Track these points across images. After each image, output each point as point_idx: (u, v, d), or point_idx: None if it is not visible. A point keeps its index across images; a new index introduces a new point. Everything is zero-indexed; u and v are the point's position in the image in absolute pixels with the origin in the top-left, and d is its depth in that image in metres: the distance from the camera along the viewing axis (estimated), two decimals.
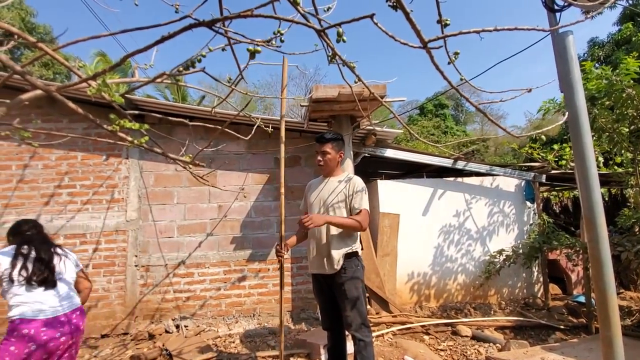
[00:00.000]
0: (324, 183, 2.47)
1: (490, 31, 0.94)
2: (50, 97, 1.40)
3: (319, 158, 2.42)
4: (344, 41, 1.37)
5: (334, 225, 2.26)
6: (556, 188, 7.62)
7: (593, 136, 3.76)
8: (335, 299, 2.36)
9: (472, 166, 5.03)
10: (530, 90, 1.41)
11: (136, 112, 1.94)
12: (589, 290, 4.02)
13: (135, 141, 1.52)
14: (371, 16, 0.82)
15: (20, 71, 1.36)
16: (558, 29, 1.21)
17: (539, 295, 4.94)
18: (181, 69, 1.50)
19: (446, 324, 3.99)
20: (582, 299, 4.53)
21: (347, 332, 2.42)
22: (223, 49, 1.74)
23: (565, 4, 2.11)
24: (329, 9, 1.77)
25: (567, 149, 4.69)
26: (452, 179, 5.06)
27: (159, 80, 1.56)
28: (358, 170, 4.54)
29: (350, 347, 2.45)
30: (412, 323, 3.95)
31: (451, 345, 3.53)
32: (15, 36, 1.40)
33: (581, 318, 4.22)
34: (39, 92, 1.47)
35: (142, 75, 2.20)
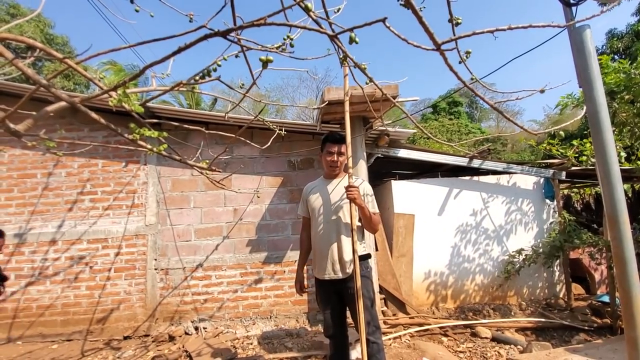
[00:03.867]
0: (330, 185, 2.39)
1: (504, 30, 0.93)
2: (73, 108, 1.46)
3: (335, 158, 2.33)
4: (356, 43, 1.39)
5: (364, 212, 2.18)
6: (577, 185, 7.41)
7: (614, 131, 3.65)
8: (343, 305, 2.33)
9: (489, 164, 4.95)
10: (543, 91, 1.39)
11: (154, 120, 1.99)
12: (613, 290, 3.90)
13: (155, 149, 1.57)
14: (383, 20, 0.83)
15: (46, 84, 1.43)
16: (574, 24, 1.18)
17: (561, 296, 4.81)
18: (197, 78, 1.54)
19: (465, 326, 3.93)
20: (606, 298, 4.39)
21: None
22: (236, 56, 1.77)
23: None
24: (339, 10, 1.79)
25: (588, 145, 4.54)
26: (467, 178, 4.99)
27: (176, 89, 1.61)
28: (371, 171, 4.53)
29: (353, 354, 2.42)
30: (430, 324, 3.91)
31: (470, 347, 3.48)
32: (38, 50, 1.46)
33: (605, 318, 4.09)
34: (63, 103, 1.53)
35: (158, 83, 2.26)
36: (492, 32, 0.86)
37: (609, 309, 4.01)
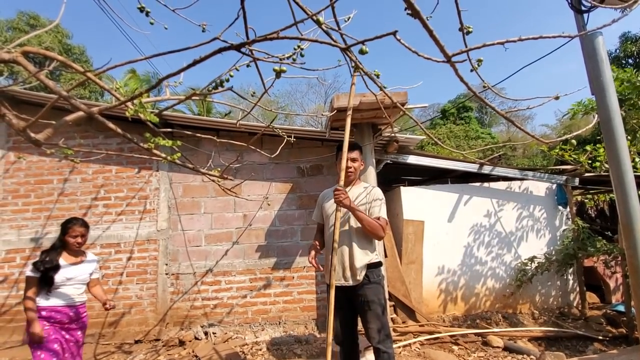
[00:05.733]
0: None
1: (514, 42, 0.94)
2: (88, 116, 1.51)
3: (350, 165, 2.35)
4: (366, 53, 1.41)
5: (357, 215, 2.18)
6: (591, 191, 7.27)
7: (627, 137, 3.60)
8: (354, 312, 2.31)
9: (499, 170, 4.90)
10: (557, 98, 1.39)
11: (168, 129, 2.04)
12: (628, 299, 3.81)
13: (169, 157, 1.61)
14: (394, 33, 0.84)
15: (66, 96, 1.48)
16: (586, 33, 1.18)
17: (575, 304, 4.71)
18: (210, 88, 1.58)
19: (476, 334, 3.87)
20: (621, 308, 4.28)
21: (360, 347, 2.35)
22: (248, 66, 1.81)
23: (592, 4, 2.06)
24: (348, 18, 1.82)
25: (601, 150, 4.46)
26: (478, 184, 4.95)
27: (190, 99, 1.65)
28: (380, 178, 4.53)
29: None
30: (440, 333, 3.86)
31: (482, 357, 3.43)
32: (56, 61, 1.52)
33: (621, 328, 3.99)
34: (81, 113, 1.59)
35: (172, 91, 2.32)
36: (502, 43, 0.87)
37: (625, 319, 3.91)
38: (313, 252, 2.38)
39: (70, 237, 2.49)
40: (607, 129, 1.77)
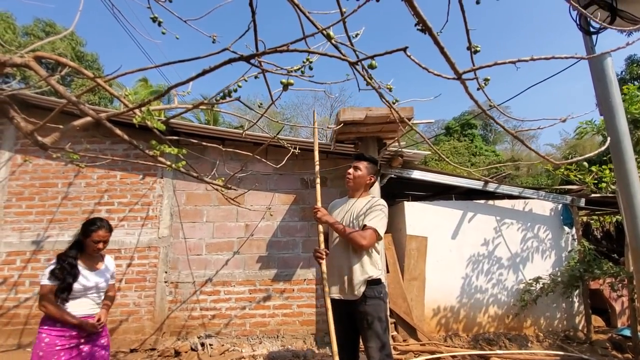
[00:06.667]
0: (348, 204, 2.41)
1: (526, 61, 0.94)
2: (97, 122, 1.52)
3: (349, 171, 2.41)
4: (375, 67, 1.42)
5: (334, 228, 2.25)
6: (597, 212, 7.18)
7: (637, 159, 3.57)
8: (355, 329, 2.26)
9: (504, 188, 4.86)
10: (564, 120, 1.38)
11: (175, 137, 2.05)
12: (635, 323, 3.71)
13: (174, 165, 1.60)
14: (404, 49, 0.84)
15: (75, 101, 1.49)
16: (596, 56, 1.18)
17: (580, 328, 4.59)
18: (218, 98, 1.59)
19: (479, 356, 3.77)
20: (627, 332, 4.16)
21: None
22: (256, 77, 1.82)
23: (602, 26, 2.06)
24: (357, 35, 1.83)
25: (607, 171, 4.41)
26: (482, 201, 4.90)
27: (198, 108, 1.65)
28: (384, 192, 4.51)
29: None
30: (442, 353, 3.77)
31: None
32: (67, 67, 1.54)
33: (627, 353, 3.87)
34: (89, 119, 1.60)
35: (180, 100, 2.34)
36: (514, 62, 0.87)
37: (631, 344, 3.80)
38: (323, 246, 2.36)
39: (92, 242, 2.20)
40: (616, 151, 1.75)
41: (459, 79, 0.84)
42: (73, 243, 2.25)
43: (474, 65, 0.96)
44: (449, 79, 0.88)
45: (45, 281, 2.10)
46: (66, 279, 2.11)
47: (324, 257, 2.28)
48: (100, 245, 2.25)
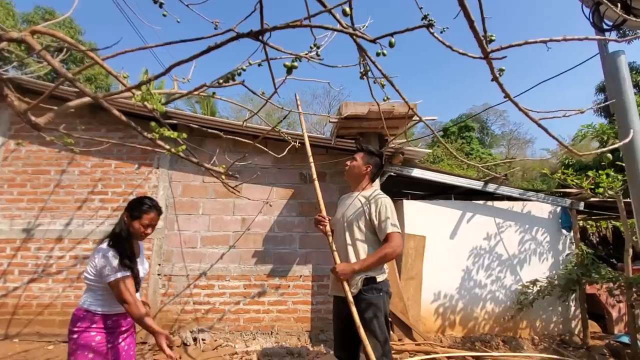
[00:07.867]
0: (351, 198, 2.37)
1: (558, 41, 0.88)
2: (92, 107, 1.45)
3: (346, 163, 2.43)
4: (384, 55, 1.35)
5: (364, 271, 2.10)
6: (593, 217, 7.19)
7: None
8: (354, 327, 2.23)
9: (504, 190, 4.83)
10: (583, 112, 1.34)
11: (174, 121, 1.97)
12: (634, 330, 3.69)
13: (173, 149, 1.54)
14: (427, 26, 0.78)
15: (71, 78, 1.42)
16: (627, 39, 1.14)
17: (576, 332, 4.58)
18: (221, 81, 1.52)
19: (474, 357, 3.74)
20: (625, 339, 4.14)
21: None
22: (259, 65, 1.76)
23: (614, 23, 2.02)
24: (364, 27, 1.77)
25: (604, 177, 4.37)
26: (481, 202, 4.87)
27: (198, 92, 1.58)
28: (383, 189, 4.45)
29: None
30: (438, 353, 3.73)
31: None
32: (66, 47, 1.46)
33: None
34: (86, 99, 1.52)
35: (180, 88, 2.25)
36: (545, 42, 0.82)
37: (629, 351, 3.79)
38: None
39: (142, 225, 1.89)
40: (629, 150, 1.71)
41: (486, 58, 0.78)
42: (121, 226, 1.92)
43: (506, 48, 0.90)
44: (474, 58, 0.82)
45: (122, 272, 1.78)
46: (134, 269, 1.85)
47: (327, 222, 2.32)
48: (149, 231, 1.94)
